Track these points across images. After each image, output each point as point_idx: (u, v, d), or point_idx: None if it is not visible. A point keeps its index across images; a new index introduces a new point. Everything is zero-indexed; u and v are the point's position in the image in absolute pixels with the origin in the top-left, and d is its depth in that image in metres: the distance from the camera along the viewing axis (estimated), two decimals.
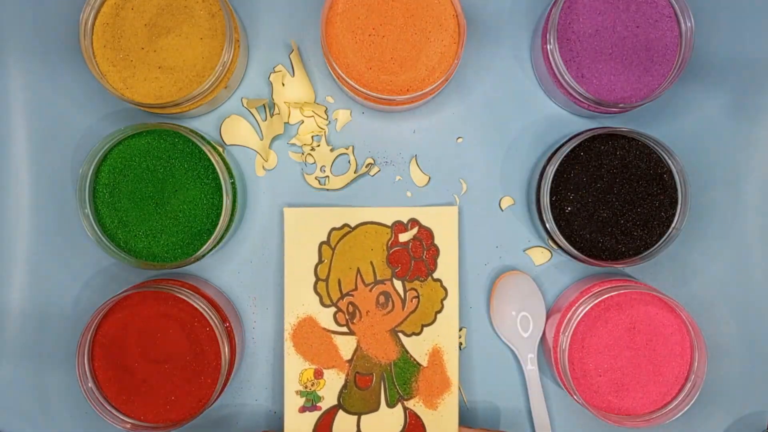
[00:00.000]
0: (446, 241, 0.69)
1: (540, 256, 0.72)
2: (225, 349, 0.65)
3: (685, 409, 0.66)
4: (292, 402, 0.68)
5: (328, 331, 0.68)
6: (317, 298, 0.68)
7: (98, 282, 0.71)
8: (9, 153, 0.71)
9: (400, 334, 0.68)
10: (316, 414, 0.68)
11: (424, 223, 0.69)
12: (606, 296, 0.66)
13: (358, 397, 0.68)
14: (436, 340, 0.68)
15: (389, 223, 0.69)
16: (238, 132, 0.71)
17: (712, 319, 0.72)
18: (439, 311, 0.69)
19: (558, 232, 0.66)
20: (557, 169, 0.66)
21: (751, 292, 0.72)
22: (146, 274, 0.71)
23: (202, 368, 0.66)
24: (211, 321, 0.65)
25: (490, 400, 0.71)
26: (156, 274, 0.71)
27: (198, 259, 0.66)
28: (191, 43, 0.66)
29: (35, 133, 0.71)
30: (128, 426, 0.65)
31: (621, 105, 0.65)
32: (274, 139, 0.71)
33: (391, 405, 0.68)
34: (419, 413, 0.68)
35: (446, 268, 0.69)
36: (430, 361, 0.68)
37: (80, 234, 0.68)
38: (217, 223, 0.66)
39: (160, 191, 0.67)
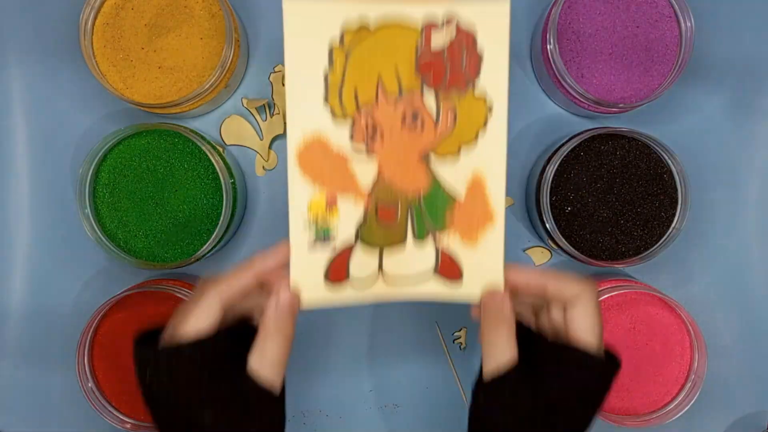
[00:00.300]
0: (493, 45, 0.53)
1: (540, 256, 0.72)
2: None
3: (685, 409, 0.66)
4: (300, 237, 0.53)
5: (342, 154, 0.53)
6: (327, 110, 0.53)
7: (98, 282, 0.71)
8: (9, 153, 0.71)
9: (432, 158, 0.53)
10: (329, 249, 0.53)
11: (464, 21, 0.52)
12: (606, 296, 0.66)
13: (380, 231, 0.54)
14: (478, 166, 0.53)
15: (419, 23, 0.52)
16: (238, 132, 0.71)
17: (712, 319, 0.72)
18: (482, 131, 0.53)
19: (558, 232, 0.66)
20: (557, 169, 0.66)
21: (751, 292, 0.72)
22: (146, 274, 0.71)
23: None
24: None
25: None
26: (156, 274, 0.71)
27: (198, 259, 0.66)
28: (191, 43, 0.66)
29: (35, 133, 0.71)
30: (128, 426, 0.65)
31: (621, 105, 0.65)
32: (274, 139, 0.71)
33: (419, 237, 0.54)
34: (454, 249, 0.54)
35: (492, 80, 0.53)
36: (468, 193, 0.54)
37: (80, 234, 0.68)
38: (217, 223, 0.66)
39: (160, 191, 0.67)
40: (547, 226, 0.66)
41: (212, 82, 0.64)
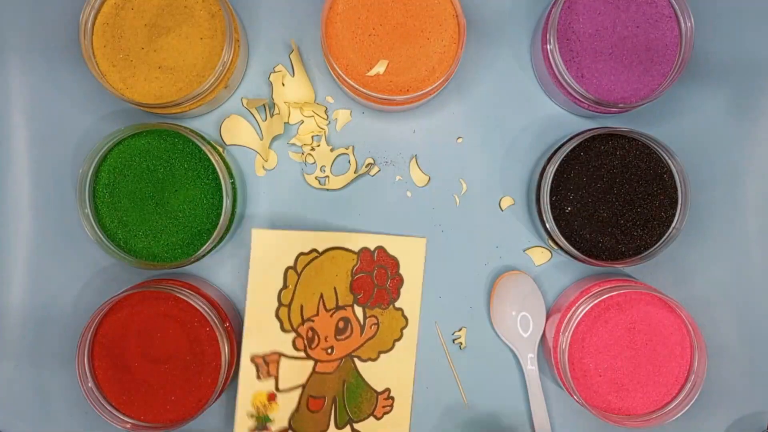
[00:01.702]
0: (412, 271, 0.69)
1: (540, 256, 0.72)
2: (225, 349, 0.65)
3: (685, 409, 0.66)
4: (243, 423, 0.67)
5: (286, 356, 0.67)
6: (278, 323, 0.67)
7: (98, 282, 0.71)
8: (9, 153, 0.71)
9: (356, 360, 0.68)
10: None
11: (390, 251, 0.68)
12: (606, 296, 0.66)
13: (308, 419, 0.68)
14: (390, 380, 0.69)
15: (356, 249, 0.68)
16: (238, 132, 0.71)
17: (712, 319, 0.72)
18: (398, 339, 0.69)
19: (558, 232, 0.66)
20: (557, 169, 0.66)
21: (751, 292, 0.72)
22: (146, 274, 0.71)
23: (202, 368, 0.66)
24: (211, 321, 0.65)
25: (490, 400, 0.71)
26: (156, 274, 0.71)
27: (198, 259, 0.66)
28: (191, 43, 0.66)
29: (35, 133, 0.71)
30: (128, 426, 0.65)
31: (621, 105, 0.65)
32: (274, 139, 0.71)
33: (340, 427, 0.68)
34: (366, 430, 0.69)
35: (409, 298, 0.69)
36: (381, 396, 0.69)
37: (80, 234, 0.68)
38: (217, 223, 0.66)
39: (160, 191, 0.67)
40: (547, 226, 0.66)
41: (212, 82, 0.64)
